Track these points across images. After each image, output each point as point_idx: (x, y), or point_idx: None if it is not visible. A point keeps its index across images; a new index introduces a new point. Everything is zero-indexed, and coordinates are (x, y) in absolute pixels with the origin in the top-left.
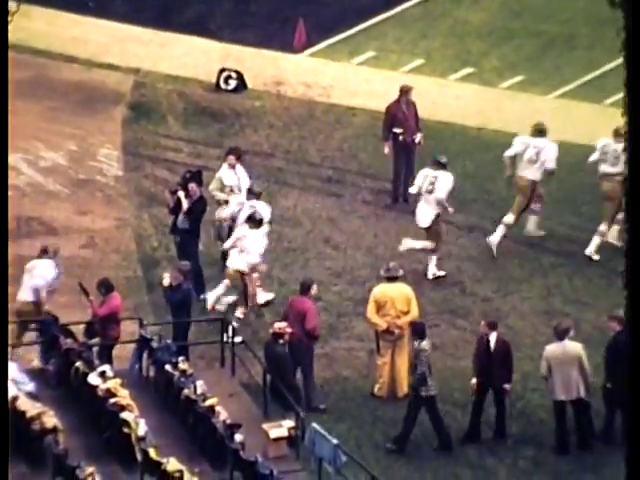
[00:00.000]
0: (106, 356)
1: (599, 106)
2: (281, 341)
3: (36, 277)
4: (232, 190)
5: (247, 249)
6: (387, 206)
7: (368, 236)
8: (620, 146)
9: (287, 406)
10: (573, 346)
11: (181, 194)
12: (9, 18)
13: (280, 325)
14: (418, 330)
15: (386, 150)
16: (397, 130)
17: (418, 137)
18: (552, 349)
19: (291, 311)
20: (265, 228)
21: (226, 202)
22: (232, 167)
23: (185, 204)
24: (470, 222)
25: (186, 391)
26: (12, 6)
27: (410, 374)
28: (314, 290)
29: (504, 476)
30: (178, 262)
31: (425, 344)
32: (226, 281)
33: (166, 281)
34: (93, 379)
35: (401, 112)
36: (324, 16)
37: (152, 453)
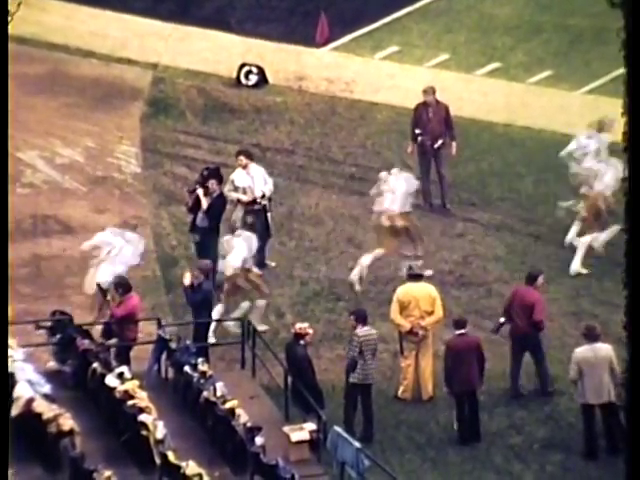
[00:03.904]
0: (124, 357)
1: None
2: (302, 342)
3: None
4: (245, 191)
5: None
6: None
7: None
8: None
9: (309, 408)
10: (604, 348)
11: (200, 192)
12: (9, 18)
13: (302, 325)
14: (360, 315)
15: (409, 149)
16: (418, 131)
17: (439, 142)
18: (583, 352)
19: (515, 301)
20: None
21: (239, 202)
22: (244, 168)
23: (204, 202)
24: (496, 221)
25: (205, 393)
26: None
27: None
28: (540, 280)
29: None
30: (197, 261)
31: (361, 330)
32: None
33: (187, 280)
34: (111, 381)
35: (425, 114)
36: (346, 10)
37: (171, 456)
